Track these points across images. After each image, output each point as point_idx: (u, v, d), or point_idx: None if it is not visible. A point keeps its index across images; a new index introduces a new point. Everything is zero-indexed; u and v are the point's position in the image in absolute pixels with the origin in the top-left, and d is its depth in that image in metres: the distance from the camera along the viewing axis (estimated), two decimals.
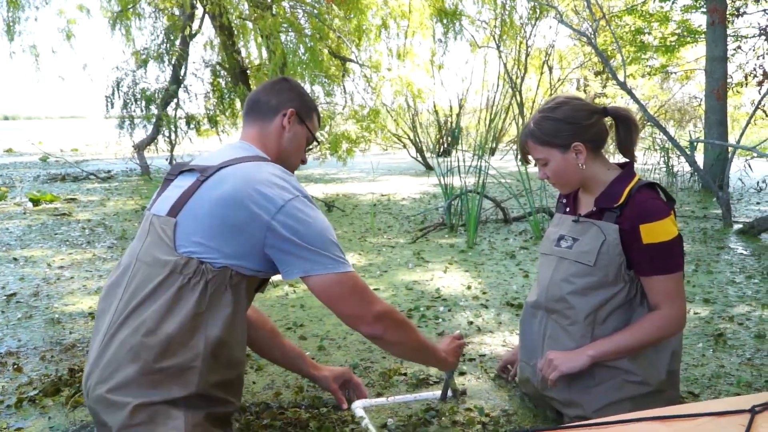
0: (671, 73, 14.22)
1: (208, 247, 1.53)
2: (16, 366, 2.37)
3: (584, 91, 18.71)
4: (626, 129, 1.85)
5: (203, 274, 1.52)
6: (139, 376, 1.49)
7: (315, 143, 1.91)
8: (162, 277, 1.52)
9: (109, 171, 11.03)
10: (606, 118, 1.87)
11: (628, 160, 1.88)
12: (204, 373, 1.52)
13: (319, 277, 1.56)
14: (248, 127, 1.78)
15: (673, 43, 10.98)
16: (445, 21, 12.80)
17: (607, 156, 1.91)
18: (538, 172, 1.91)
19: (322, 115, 9.59)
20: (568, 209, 1.96)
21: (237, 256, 1.55)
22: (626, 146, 1.86)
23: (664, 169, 8.38)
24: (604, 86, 17.30)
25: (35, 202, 6.86)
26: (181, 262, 1.52)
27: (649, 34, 11.60)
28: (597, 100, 16.95)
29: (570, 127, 1.79)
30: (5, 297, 3.33)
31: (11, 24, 11.95)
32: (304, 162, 1.88)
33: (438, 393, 2.08)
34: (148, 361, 1.49)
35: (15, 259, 4.25)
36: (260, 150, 1.73)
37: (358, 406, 1.96)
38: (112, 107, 11.00)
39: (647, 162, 8.74)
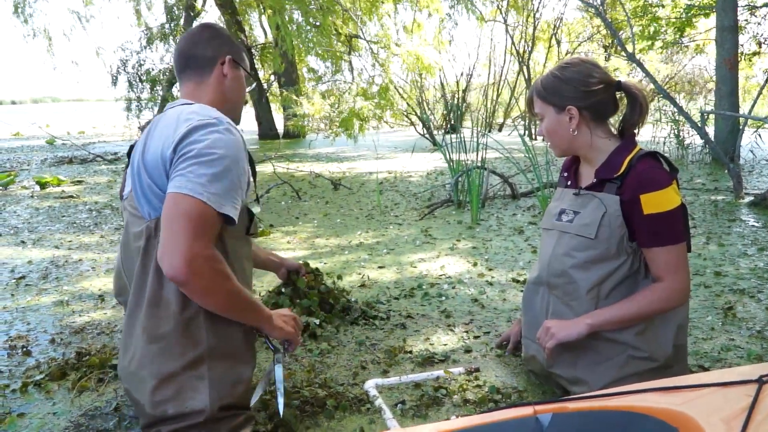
0: (682, 45, 13.94)
1: (159, 202, 1.48)
2: (25, 349, 2.38)
3: None
4: (633, 107, 1.79)
5: None
6: (157, 348, 1.49)
7: (254, 83, 1.84)
8: (142, 248, 1.51)
9: (116, 153, 11.03)
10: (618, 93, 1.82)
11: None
12: (208, 324, 1.51)
13: (170, 194, 1.42)
14: (184, 84, 1.71)
15: (687, 16, 10.71)
16: None
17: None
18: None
19: (331, 93, 9.55)
20: (569, 183, 1.93)
21: None
22: (630, 125, 1.81)
23: (675, 142, 8.27)
24: (607, 59, 16.98)
25: (42, 185, 6.88)
26: (152, 226, 1.50)
27: (662, 7, 11.36)
28: None
29: (569, 89, 1.76)
30: (14, 280, 3.34)
31: (20, 6, 11.95)
32: (245, 102, 1.83)
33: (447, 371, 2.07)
34: (156, 331, 1.49)
35: (23, 242, 4.27)
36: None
37: (371, 386, 1.96)
38: (115, 86, 10.99)
39: (656, 135, 8.63)
